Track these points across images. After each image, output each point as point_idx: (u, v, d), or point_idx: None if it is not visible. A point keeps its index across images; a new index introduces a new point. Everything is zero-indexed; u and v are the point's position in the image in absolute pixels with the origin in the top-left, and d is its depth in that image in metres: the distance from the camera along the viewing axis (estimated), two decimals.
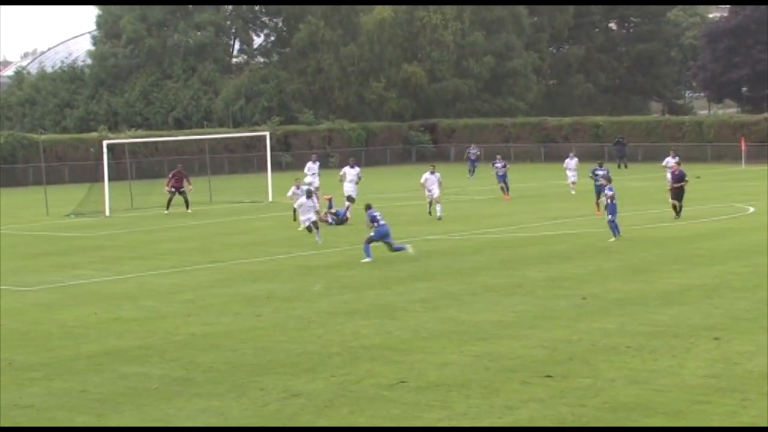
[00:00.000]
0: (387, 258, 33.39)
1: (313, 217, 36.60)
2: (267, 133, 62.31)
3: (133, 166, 69.68)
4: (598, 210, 41.72)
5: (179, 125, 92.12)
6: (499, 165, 62.41)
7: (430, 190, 44.43)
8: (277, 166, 75.85)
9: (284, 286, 28.72)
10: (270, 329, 22.92)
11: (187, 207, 50.57)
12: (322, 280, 29.19)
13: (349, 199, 45.22)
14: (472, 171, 71.02)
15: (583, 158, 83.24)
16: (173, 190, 50.83)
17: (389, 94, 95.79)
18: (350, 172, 47.58)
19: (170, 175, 51.91)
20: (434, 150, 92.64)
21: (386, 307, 24.99)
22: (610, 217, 34.96)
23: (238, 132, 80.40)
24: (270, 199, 56.28)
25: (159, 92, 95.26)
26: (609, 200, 35.06)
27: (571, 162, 56.28)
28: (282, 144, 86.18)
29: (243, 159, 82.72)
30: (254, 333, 22.55)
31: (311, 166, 51.72)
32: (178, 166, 53.43)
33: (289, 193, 41.79)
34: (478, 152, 74.68)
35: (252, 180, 59.07)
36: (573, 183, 55.61)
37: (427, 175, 44.92)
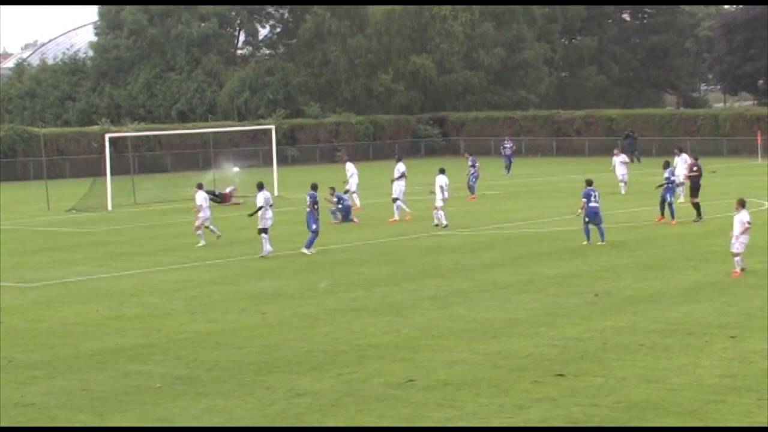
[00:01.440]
0: (396, 255, 33.44)
1: (269, 222, 33.42)
2: (272, 127, 62.39)
3: (135, 160, 69.74)
4: (667, 216, 39.23)
5: (183, 118, 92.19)
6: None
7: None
8: (283, 161, 75.88)
9: (290, 282, 28.75)
10: (276, 327, 22.95)
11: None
12: (329, 277, 29.22)
13: (395, 201, 42.72)
14: (508, 167, 67.31)
15: (596, 152, 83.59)
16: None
17: (397, 86, 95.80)
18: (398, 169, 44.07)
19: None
20: (443, 144, 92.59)
21: (395, 305, 25.01)
22: (586, 219, 33.82)
23: (243, 125, 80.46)
24: (276, 193, 56.26)
25: (162, 84, 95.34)
26: (586, 205, 33.77)
27: (618, 158, 53.21)
28: (288, 138, 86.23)
29: (248, 153, 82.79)
30: (260, 331, 22.59)
31: (351, 165, 49.69)
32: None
33: (199, 202, 36.89)
34: (514, 146, 70.70)
35: (257, 174, 59.06)
36: (623, 181, 52.27)
37: (443, 176, 40.55)
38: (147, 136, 76.25)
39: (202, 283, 29.05)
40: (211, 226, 37.20)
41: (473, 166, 52.72)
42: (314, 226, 33.93)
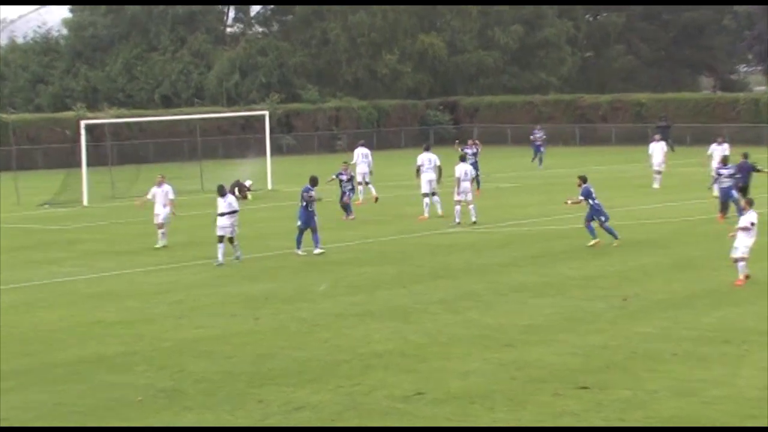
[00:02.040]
0: (402, 254, 33.49)
1: (231, 228, 32.73)
2: (266, 113, 62.40)
3: (114, 149, 69.77)
4: (722, 217, 38.31)
5: (167, 103, 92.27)
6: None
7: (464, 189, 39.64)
8: (278, 150, 75.91)
9: (286, 285, 28.84)
10: (270, 334, 23.03)
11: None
12: (329, 278, 29.30)
13: (427, 195, 41.88)
14: (539, 159, 66.48)
15: (623, 141, 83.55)
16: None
17: (404, 68, 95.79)
18: (427, 159, 42.83)
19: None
20: (454, 131, 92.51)
21: (401, 309, 25.09)
22: (602, 219, 33.44)
23: (234, 111, 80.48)
24: (270, 186, 56.38)
25: (144, 66, 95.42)
26: (589, 203, 33.47)
27: (657, 146, 52.66)
28: (283, 125, 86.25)
29: (239, 142, 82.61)
30: (252, 338, 22.67)
31: (363, 151, 49.21)
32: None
33: (149, 195, 36.79)
34: (545, 135, 68.89)
35: (249, 166, 59.24)
36: (658, 172, 51.80)
37: (464, 166, 40.27)
38: (127, 123, 76.24)
39: (188, 286, 29.13)
40: (163, 230, 36.43)
41: (474, 155, 52.42)
42: (298, 222, 33.92)
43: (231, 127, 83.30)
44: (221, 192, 33.08)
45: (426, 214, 41.79)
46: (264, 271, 31.22)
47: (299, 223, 34.02)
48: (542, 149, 67.18)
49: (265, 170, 57.28)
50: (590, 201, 33.64)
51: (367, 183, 48.09)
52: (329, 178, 43.60)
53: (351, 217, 42.15)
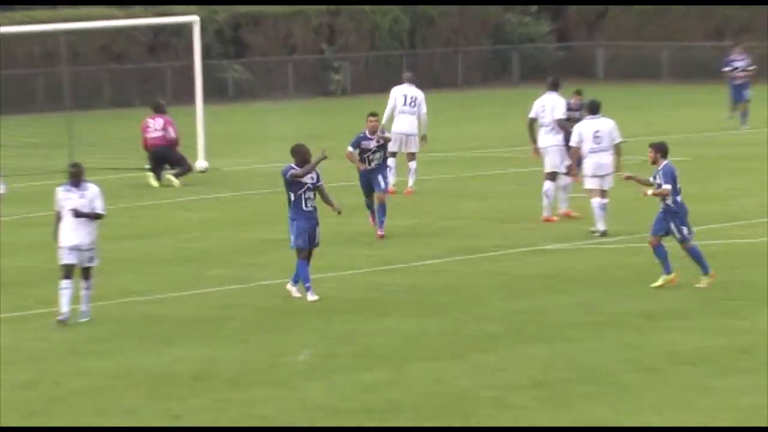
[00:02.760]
0: (459, 291, 33.42)
1: (89, 254, 32.46)
2: (195, 19, 62.30)
3: None
4: None
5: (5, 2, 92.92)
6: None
7: (599, 173, 40.26)
8: (219, 92, 76.23)
9: (233, 351, 28.78)
10: None
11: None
12: (315, 340, 29.25)
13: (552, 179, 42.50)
14: (741, 112, 67.33)
15: None
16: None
17: None
18: (541, 107, 43.64)
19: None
20: (559, 56, 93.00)
21: (457, 398, 25.00)
22: (684, 231, 33.48)
23: (135, 17, 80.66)
24: (204, 164, 56.25)
25: None
26: (662, 198, 33.74)
27: None
28: (228, 43, 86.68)
29: (145, 75, 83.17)
30: None
31: (411, 93, 49.26)
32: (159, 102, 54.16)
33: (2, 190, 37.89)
34: (751, 64, 68.83)
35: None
36: None
37: (591, 123, 41.13)
38: None
39: (47, 352, 29.25)
40: None
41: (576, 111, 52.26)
42: (292, 238, 33.31)
43: (129, 47, 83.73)
44: (74, 178, 32.30)
45: (546, 213, 42.37)
46: (192, 326, 31.23)
47: (293, 239, 33.31)
48: (746, 93, 67.50)
49: (193, 132, 57.20)
50: (673, 195, 33.51)
51: (411, 156, 47.29)
52: (348, 150, 42.02)
53: (380, 231, 41.16)
